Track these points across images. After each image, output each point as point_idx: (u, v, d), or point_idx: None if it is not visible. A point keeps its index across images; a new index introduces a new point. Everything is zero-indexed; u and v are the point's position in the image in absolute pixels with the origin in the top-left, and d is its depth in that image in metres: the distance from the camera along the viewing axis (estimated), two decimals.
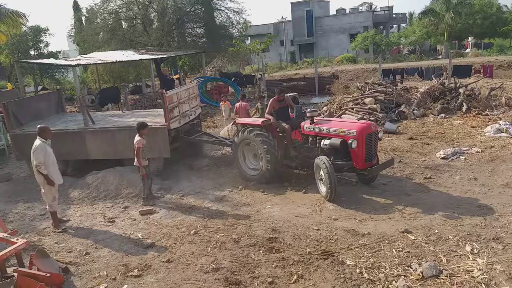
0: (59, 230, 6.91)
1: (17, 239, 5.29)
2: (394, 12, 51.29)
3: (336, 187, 7.07)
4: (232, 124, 12.14)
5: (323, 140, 7.64)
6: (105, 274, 5.38)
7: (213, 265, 5.33)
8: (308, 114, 7.99)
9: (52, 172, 6.89)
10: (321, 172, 7.27)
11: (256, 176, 8.45)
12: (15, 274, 4.74)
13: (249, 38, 40.56)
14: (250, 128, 8.41)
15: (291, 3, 49.15)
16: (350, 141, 7.16)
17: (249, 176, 8.59)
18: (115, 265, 5.59)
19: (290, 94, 9.36)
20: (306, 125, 8.12)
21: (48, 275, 4.69)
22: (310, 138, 8.16)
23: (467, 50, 37.35)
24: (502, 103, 13.84)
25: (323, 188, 7.40)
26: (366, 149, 7.33)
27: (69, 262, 5.73)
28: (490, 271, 4.68)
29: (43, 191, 6.98)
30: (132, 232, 6.67)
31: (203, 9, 26.51)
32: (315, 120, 7.94)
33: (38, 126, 7.02)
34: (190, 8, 26.03)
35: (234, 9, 27.03)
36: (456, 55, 32.08)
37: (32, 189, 9.05)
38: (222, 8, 27.04)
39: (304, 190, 7.94)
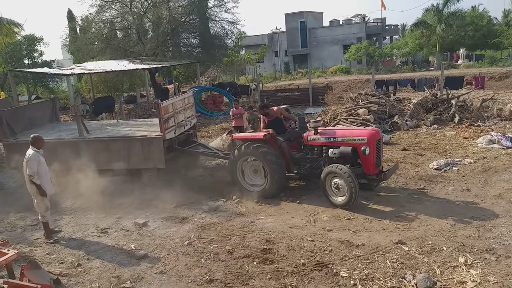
0: (51, 241, 6.83)
1: (8, 250, 5.22)
2: (386, 24, 51.88)
3: (358, 192, 7.12)
4: (227, 134, 12.16)
5: (331, 149, 7.62)
6: (97, 285, 5.32)
7: (207, 277, 5.29)
8: (311, 125, 7.97)
9: (45, 183, 6.83)
10: (337, 180, 7.25)
11: (260, 191, 8.24)
12: (5, 286, 4.68)
13: (243, 48, 40.88)
14: (252, 144, 8.22)
15: (285, 14, 49.67)
16: (363, 148, 7.25)
17: (250, 193, 8.34)
18: (107, 277, 5.53)
19: (283, 106, 9.32)
20: (310, 135, 8.06)
21: (39, 286, 4.63)
22: (316, 149, 8.11)
23: (459, 62, 37.82)
24: (494, 114, 14.00)
25: (338, 197, 7.38)
26: (376, 154, 7.49)
27: (60, 273, 5.65)
28: (484, 282, 4.69)
29: (35, 201, 6.91)
30: (125, 243, 6.62)
31: (198, 19, 26.70)
32: (319, 131, 7.94)
33: (32, 135, 6.97)
34: (185, 18, 26.20)
35: (229, 20, 27.30)
36: (448, 66, 32.47)
37: (24, 199, 8.95)
38: (217, 19, 27.30)
39: (298, 201, 7.94)
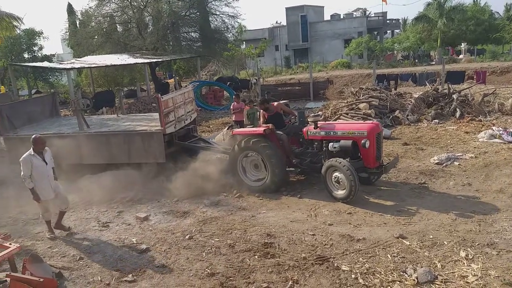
0: (52, 236, 6.76)
1: (10, 244, 5.24)
2: (388, 18, 51.73)
3: (358, 186, 7.13)
4: (227, 129, 12.14)
5: (331, 143, 7.62)
6: (99, 279, 5.33)
7: (208, 271, 5.30)
8: (311, 119, 7.96)
9: (41, 187, 6.51)
10: (337, 173, 7.25)
11: (261, 186, 8.25)
12: (8, 279, 4.69)
13: (244, 42, 40.77)
14: (252, 139, 8.20)
15: (286, 8, 49.55)
16: (363, 141, 7.24)
17: (251, 188, 8.35)
18: (109, 270, 5.54)
19: (282, 101, 9.30)
20: (310, 130, 8.06)
21: (42, 280, 4.64)
22: (316, 143, 8.11)
23: (461, 56, 37.73)
24: (495, 109, 13.97)
25: (338, 191, 7.38)
26: (376, 147, 7.49)
27: (62, 267, 5.67)
28: (485, 276, 4.70)
29: None
30: (127, 237, 6.63)
31: (198, 13, 26.62)
32: (318, 125, 7.93)
33: (32, 136, 6.58)
34: (185, 12, 26.11)
35: (229, 14, 27.23)
36: (449, 61, 32.39)
37: (25, 194, 8.95)
38: (217, 13, 27.22)
39: (299, 195, 7.94)
